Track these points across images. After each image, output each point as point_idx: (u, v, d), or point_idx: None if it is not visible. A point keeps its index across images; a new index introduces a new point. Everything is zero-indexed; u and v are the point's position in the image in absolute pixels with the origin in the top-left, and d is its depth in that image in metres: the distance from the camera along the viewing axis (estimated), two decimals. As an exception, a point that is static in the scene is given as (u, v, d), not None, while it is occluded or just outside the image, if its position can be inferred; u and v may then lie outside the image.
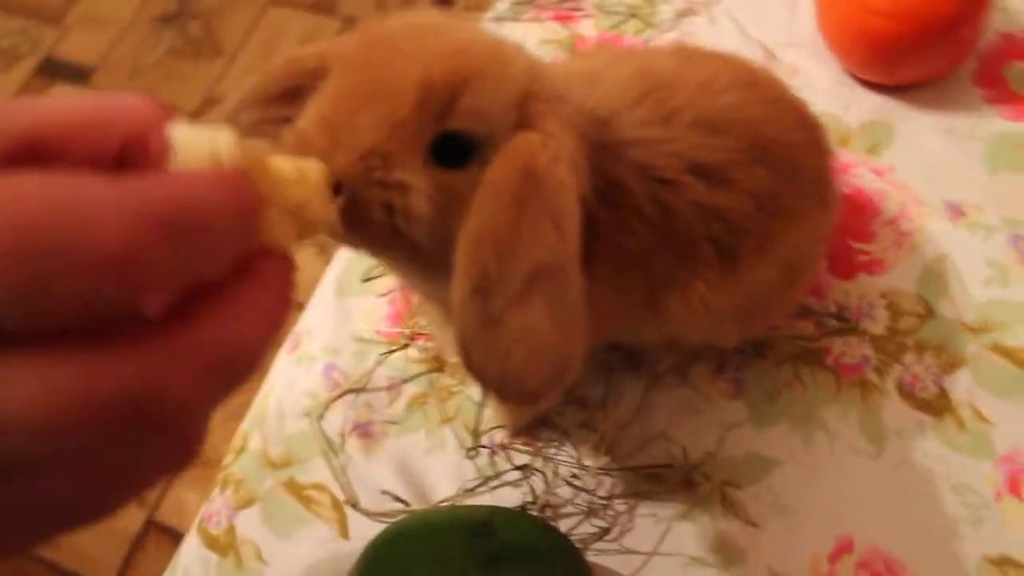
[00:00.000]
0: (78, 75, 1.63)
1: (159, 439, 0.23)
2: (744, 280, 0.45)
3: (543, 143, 0.33)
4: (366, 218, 0.33)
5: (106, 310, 0.20)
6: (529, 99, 0.34)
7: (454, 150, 0.34)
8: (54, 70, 1.65)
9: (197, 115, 1.52)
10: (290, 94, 0.37)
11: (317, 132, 0.32)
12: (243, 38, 1.60)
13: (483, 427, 0.56)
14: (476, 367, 0.32)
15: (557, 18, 0.71)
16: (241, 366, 0.23)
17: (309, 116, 0.33)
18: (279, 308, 0.24)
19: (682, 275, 0.43)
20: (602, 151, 0.38)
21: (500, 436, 0.56)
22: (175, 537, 1.13)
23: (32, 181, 0.19)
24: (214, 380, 0.23)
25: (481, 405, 0.56)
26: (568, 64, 0.45)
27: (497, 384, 0.32)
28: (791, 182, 0.45)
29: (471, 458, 0.55)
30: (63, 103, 0.24)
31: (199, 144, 0.24)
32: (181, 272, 0.21)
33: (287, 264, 0.24)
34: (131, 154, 0.24)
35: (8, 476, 0.21)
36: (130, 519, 1.15)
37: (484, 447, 0.55)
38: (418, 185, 0.33)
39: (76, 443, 0.21)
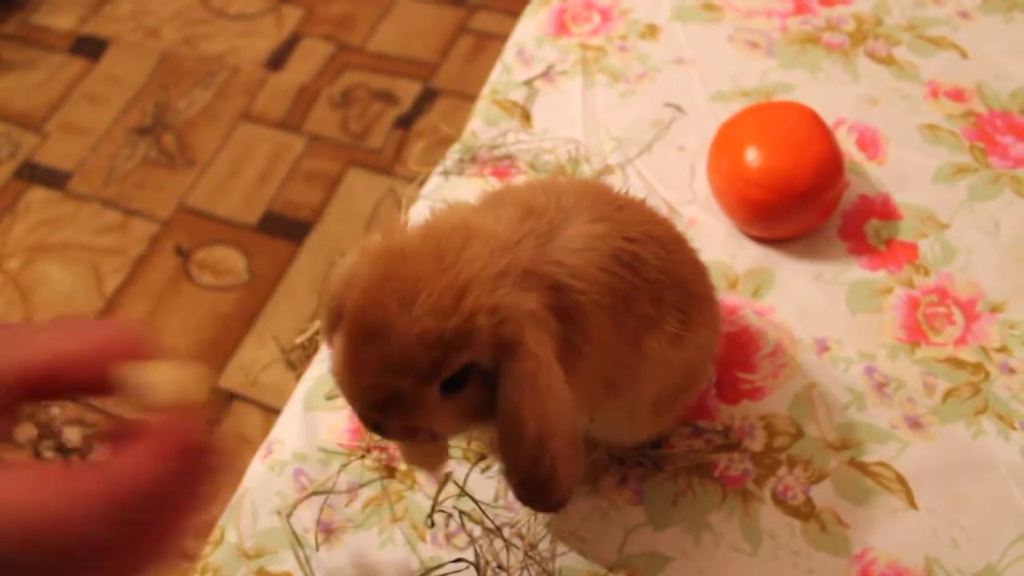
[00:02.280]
0: (55, 179, 1.73)
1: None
2: (689, 340, 0.56)
3: (533, 386, 0.46)
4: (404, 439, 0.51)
5: None
6: (500, 321, 0.45)
7: (455, 380, 0.46)
8: (32, 174, 1.75)
9: (169, 223, 1.63)
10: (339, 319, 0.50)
11: (357, 412, 0.48)
12: (214, 151, 1.72)
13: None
14: (529, 502, 0.50)
15: (495, 173, 0.84)
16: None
17: (342, 385, 0.48)
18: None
19: (656, 315, 0.54)
20: (565, 243, 0.50)
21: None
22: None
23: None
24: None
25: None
26: (488, 207, 0.54)
27: (545, 510, 0.52)
28: (702, 285, 0.59)
29: (428, 526, 0.66)
30: (62, 341, 0.33)
31: (165, 384, 0.33)
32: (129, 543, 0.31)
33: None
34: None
35: None
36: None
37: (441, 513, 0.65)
38: (438, 425, 0.48)
39: None
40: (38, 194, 1.72)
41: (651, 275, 0.53)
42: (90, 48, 1.91)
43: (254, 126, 1.75)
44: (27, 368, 0.33)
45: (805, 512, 0.65)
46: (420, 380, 0.45)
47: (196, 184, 1.68)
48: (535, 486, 0.47)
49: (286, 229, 1.59)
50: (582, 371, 0.51)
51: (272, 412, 1.30)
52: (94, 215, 1.67)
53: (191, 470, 0.32)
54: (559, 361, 0.47)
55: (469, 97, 0.90)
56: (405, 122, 1.69)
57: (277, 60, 1.83)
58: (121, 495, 0.30)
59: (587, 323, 0.50)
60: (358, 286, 0.46)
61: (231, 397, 1.40)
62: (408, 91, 1.74)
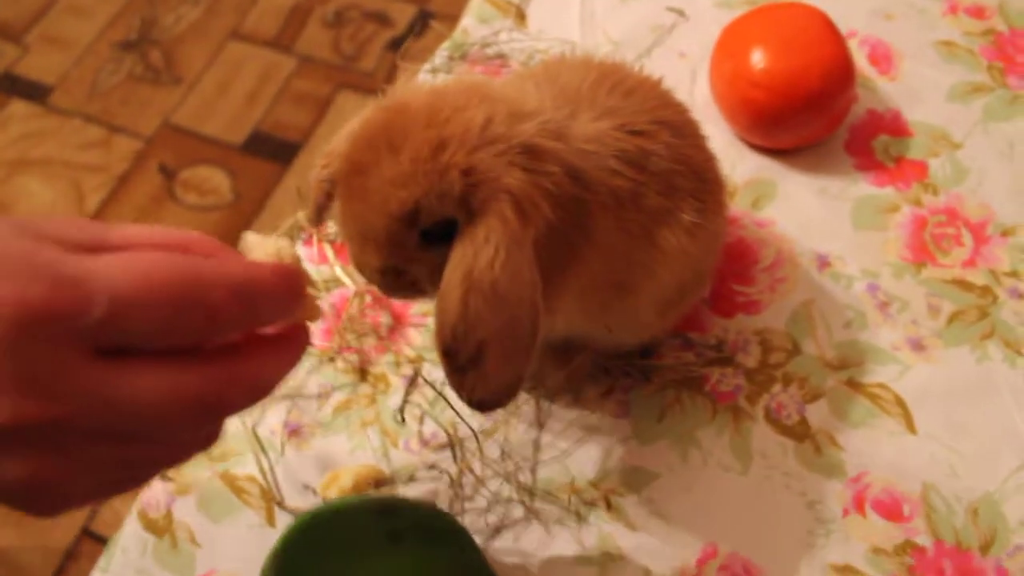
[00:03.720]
0: (36, 92, 1.68)
1: (204, 430, 0.36)
2: (705, 228, 0.54)
3: (476, 251, 0.43)
4: (399, 292, 0.50)
5: (199, 340, 0.33)
6: (471, 184, 0.44)
7: (436, 231, 0.45)
8: (12, 86, 1.69)
9: (154, 141, 1.58)
10: (329, 195, 0.52)
11: (351, 257, 0.49)
12: (202, 69, 1.66)
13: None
14: (453, 386, 0.46)
15: (486, 71, 0.79)
16: (265, 391, 0.36)
17: (340, 230, 0.50)
18: (295, 359, 0.38)
19: (669, 207, 0.52)
20: (575, 136, 0.48)
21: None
22: (107, 545, 1.16)
23: (174, 258, 0.32)
24: (248, 397, 0.36)
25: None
26: (523, 80, 0.53)
27: (468, 403, 0.46)
28: (715, 171, 0.57)
29: (399, 421, 0.63)
30: (142, 228, 0.36)
31: (265, 248, 0.39)
32: (248, 323, 0.35)
33: (306, 334, 0.39)
34: None
35: (126, 440, 0.33)
36: (65, 530, 1.18)
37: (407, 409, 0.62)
38: (421, 273, 0.47)
39: (165, 423, 0.33)
40: (19, 107, 1.66)
41: (661, 166, 0.51)
42: (76, -41, 1.84)
43: (244, 44, 1.69)
44: (104, 241, 0.34)
45: (799, 432, 0.62)
46: (396, 222, 0.45)
47: (182, 102, 1.62)
48: (457, 367, 0.45)
49: (273, 150, 1.54)
50: (579, 274, 0.50)
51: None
52: (76, 130, 1.62)
53: (280, 291, 0.36)
54: (546, 254, 0.45)
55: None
56: (398, 45, 1.63)
57: (270, -23, 1.77)
58: (211, 280, 0.33)
59: (591, 225, 0.48)
60: (354, 135, 0.46)
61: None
62: (402, 13, 1.69)
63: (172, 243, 0.36)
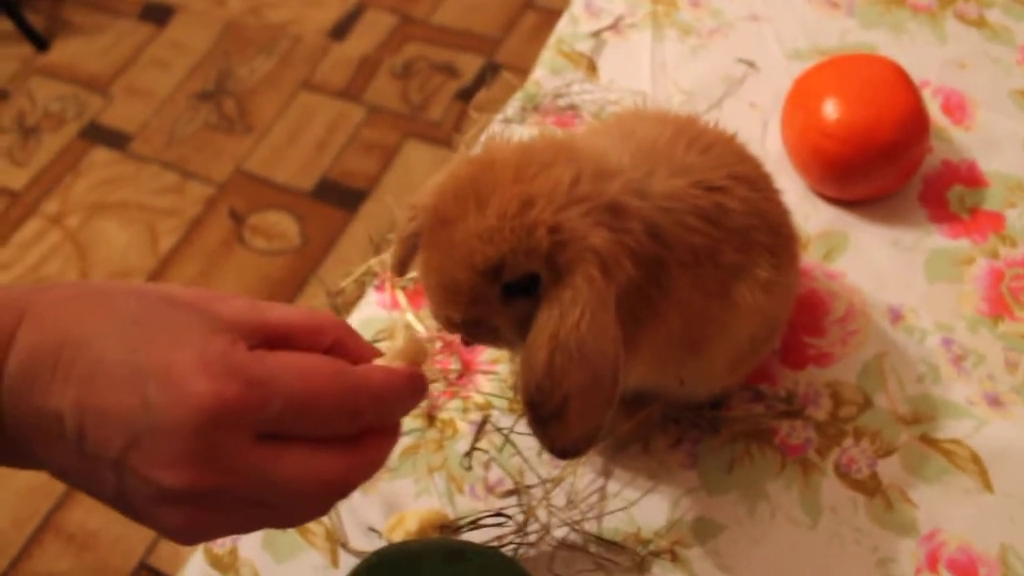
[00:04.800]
0: (117, 140, 1.74)
1: (329, 504, 0.42)
2: (779, 285, 0.54)
3: (563, 313, 0.45)
4: (478, 341, 0.52)
5: (340, 432, 0.39)
6: (558, 242, 0.45)
7: (518, 285, 0.46)
8: (96, 134, 1.76)
9: (225, 187, 1.63)
10: (413, 247, 0.53)
11: (431, 308, 0.50)
12: (273, 118, 1.72)
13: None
14: (535, 434, 0.47)
15: (558, 123, 0.80)
16: (380, 467, 0.42)
17: (421, 281, 0.50)
18: (398, 436, 0.43)
19: (745, 262, 0.52)
20: (654, 194, 0.49)
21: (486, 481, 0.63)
22: (167, 581, 1.18)
23: (333, 362, 0.39)
24: (369, 476, 0.41)
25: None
26: (598, 135, 0.55)
27: (549, 451, 0.48)
28: (790, 226, 0.57)
29: (465, 468, 0.63)
30: (290, 309, 0.42)
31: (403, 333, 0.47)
32: (380, 422, 0.41)
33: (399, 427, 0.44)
34: (334, 352, 0.42)
35: (268, 506, 0.39)
36: (124, 560, 1.20)
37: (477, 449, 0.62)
38: (501, 325, 0.48)
39: (305, 499, 0.39)
40: (100, 154, 1.73)
41: (737, 222, 0.51)
42: (157, 14, 1.93)
43: (314, 95, 1.74)
44: (267, 324, 0.40)
45: (870, 487, 0.60)
46: (480, 276, 0.46)
47: (254, 150, 1.67)
48: (540, 419, 0.46)
49: (341, 197, 1.57)
50: (656, 330, 0.50)
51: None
52: (153, 176, 1.67)
53: (410, 394, 0.42)
54: (625, 311, 0.46)
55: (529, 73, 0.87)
56: (466, 95, 1.67)
57: (340, 30, 1.82)
58: (359, 387, 0.39)
59: (668, 282, 0.49)
60: (442, 187, 0.47)
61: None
62: (470, 65, 1.72)
63: (317, 326, 0.42)
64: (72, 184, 1.68)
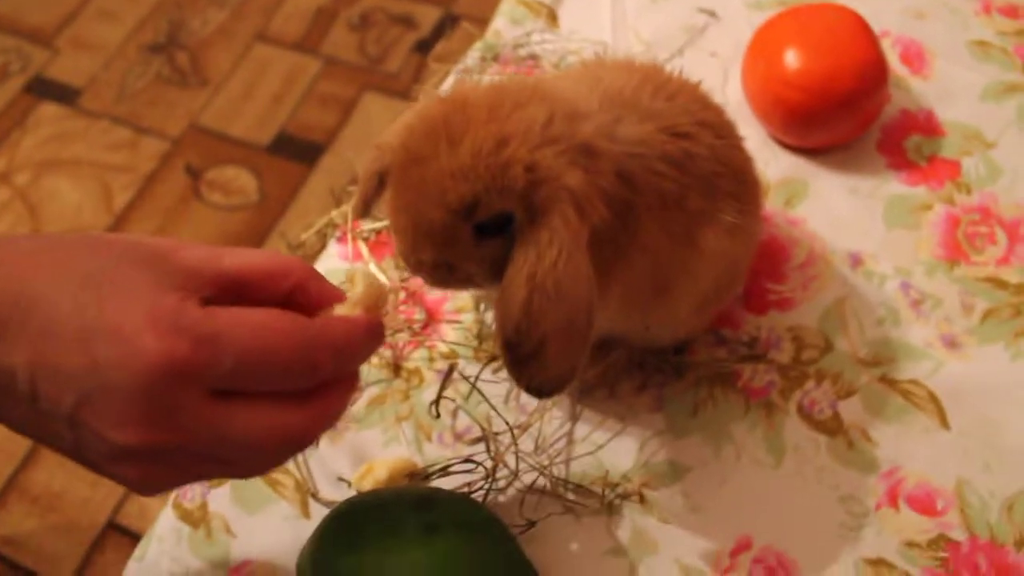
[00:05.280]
0: (65, 95, 1.70)
1: (285, 457, 0.42)
2: (744, 231, 0.55)
3: (540, 253, 0.44)
4: (447, 285, 0.50)
5: (297, 387, 0.39)
6: (534, 181, 0.44)
7: (491, 225, 0.46)
8: (43, 89, 1.71)
9: (180, 142, 1.59)
10: (378, 188, 0.52)
11: (400, 251, 0.49)
12: (228, 71, 1.68)
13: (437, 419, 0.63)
14: (512, 374, 0.47)
15: (518, 72, 0.80)
16: (338, 419, 0.43)
17: (390, 223, 0.49)
18: (356, 387, 0.44)
19: (711, 208, 0.52)
20: (623, 138, 0.48)
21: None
22: (135, 539, 1.16)
23: (287, 317, 0.39)
24: (327, 428, 0.42)
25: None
26: (567, 81, 0.54)
27: (525, 390, 0.48)
28: (753, 172, 0.57)
29: (433, 416, 0.63)
30: (250, 255, 0.41)
31: (366, 280, 0.44)
32: (340, 373, 0.41)
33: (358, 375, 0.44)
34: (295, 296, 0.42)
35: (224, 462, 0.39)
36: (91, 521, 1.19)
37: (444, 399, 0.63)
38: (473, 268, 0.48)
39: (261, 453, 0.40)
40: (48, 109, 1.68)
41: (704, 168, 0.52)
42: (104, -37, 1.86)
43: (269, 47, 1.70)
44: (222, 273, 0.40)
45: (832, 427, 0.62)
46: (452, 215, 0.45)
47: (208, 104, 1.64)
48: (517, 359, 0.46)
49: (299, 151, 1.55)
50: (624, 275, 0.50)
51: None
52: (104, 132, 1.63)
53: (368, 343, 0.42)
54: (594, 254, 0.46)
55: (488, 25, 0.86)
56: (424, 47, 1.65)
57: (295, -20, 1.78)
58: (316, 342, 0.39)
59: (636, 227, 0.49)
60: (411, 126, 0.46)
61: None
62: (428, 16, 1.70)
63: (276, 270, 0.42)
64: (19, 140, 1.64)
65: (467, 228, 0.46)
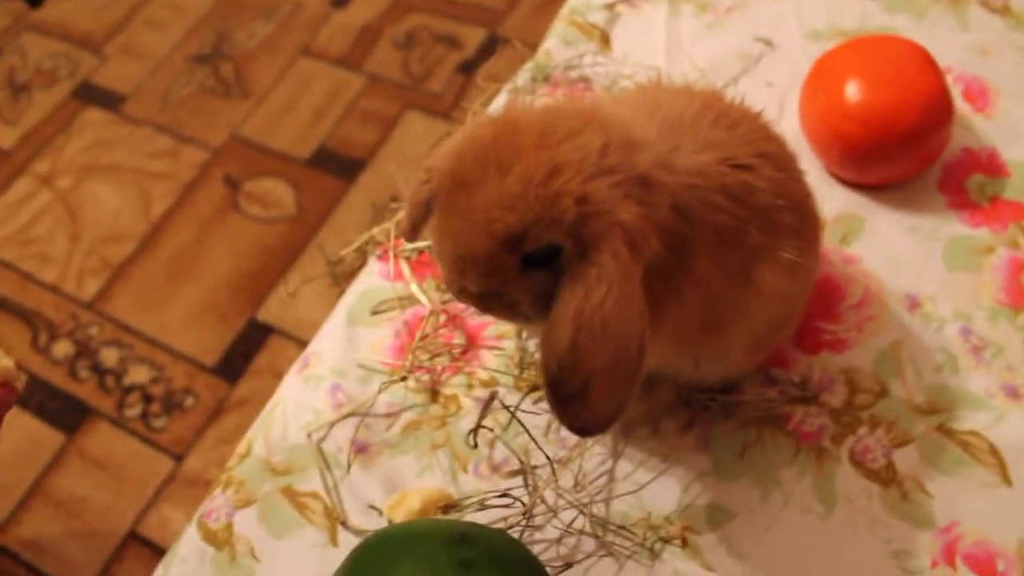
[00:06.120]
0: (111, 101, 1.71)
1: None
2: (802, 269, 0.53)
3: (588, 290, 0.42)
4: (492, 314, 0.49)
5: None
6: (584, 214, 0.42)
7: (539, 257, 0.44)
8: (89, 94, 1.72)
9: (221, 152, 1.59)
10: (426, 212, 0.51)
11: (444, 278, 0.47)
12: (271, 84, 1.68)
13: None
14: (556, 413, 0.45)
15: (568, 95, 0.78)
16: None
17: (434, 248, 0.48)
18: None
19: (769, 244, 0.50)
20: (680, 169, 0.47)
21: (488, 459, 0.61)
22: (155, 551, 1.16)
23: None
24: None
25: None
26: (625, 106, 0.52)
27: (569, 428, 0.46)
28: (814, 207, 0.55)
29: (470, 445, 0.61)
30: None
31: None
32: None
33: None
34: None
35: None
36: (112, 529, 1.19)
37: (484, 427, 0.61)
38: (519, 298, 0.46)
39: None
40: (93, 115, 1.69)
41: (763, 201, 0.50)
42: (154, -27, 1.88)
43: (313, 62, 1.71)
44: None
45: (886, 477, 0.59)
46: (498, 245, 0.43)
47: (250, 115, 1.64)
48: (562, 397, 0.44)
49: (338, 166, 1.54)
50: (676, 310, 0.48)
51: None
52: (147, 139, 1.64)
53: None
54: (645, 289, 0.44)
55: (535, 47, 0.84)
56: (468, 68, 1.64)
57: (342, -2, 1.79)
58: None
59: (691, 261, 0.47)
60: (460, 149, 0.45)
61: (268, 332, 1.37)
62: (472, 37, 1.69)
63: None
64: (64, 145, 1.65)
65: (513, 259, 0.44)
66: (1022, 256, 0.68)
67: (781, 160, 0.53)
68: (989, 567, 0.56)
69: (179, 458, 1.24)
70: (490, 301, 0.47)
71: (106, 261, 1.47)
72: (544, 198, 0.42)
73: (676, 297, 0.48)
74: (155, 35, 1.79)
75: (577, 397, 0.43)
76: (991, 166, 0.73)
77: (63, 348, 1.37)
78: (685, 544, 0.57)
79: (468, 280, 0.46)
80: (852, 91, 0.67)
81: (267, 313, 1.38)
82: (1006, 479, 0.59)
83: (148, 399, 1.30)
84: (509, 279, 0.45)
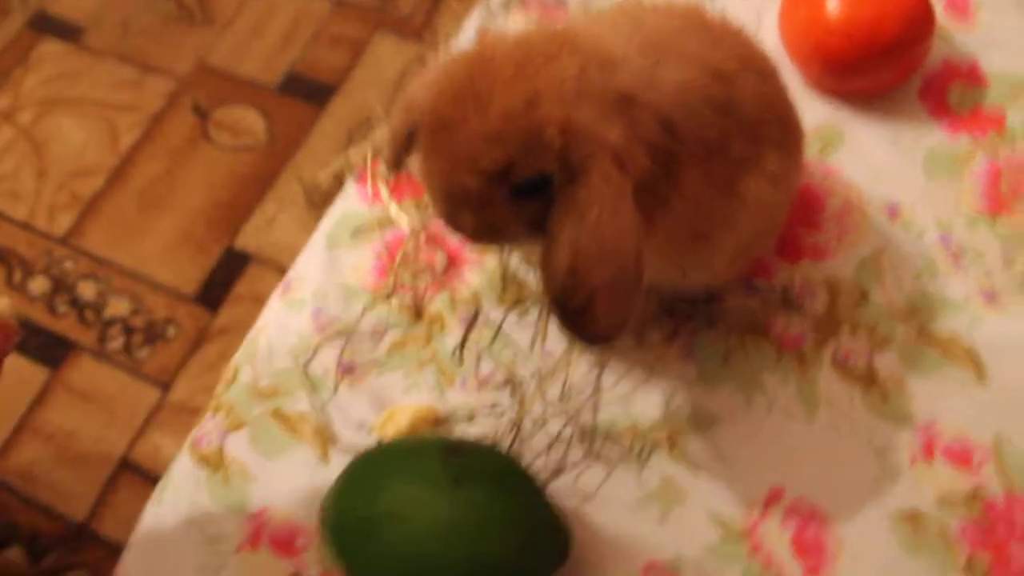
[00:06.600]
0: (68, 32, 1.65)
1: None
2: (785, 179, 0.53)
3: (582, 213, 0.43)
4: (490, 243, 0.51)
5: None
6: (570, 140, 0.42)
7: (529, 186, 0.44)
8: (45, 25, 1.66)
9: (187, 81, 1.56)
10: (407, 141, 0.51)
11: (438, 214, 0.47)
12: (236, 9, 1.63)
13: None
14: (563, 329, 0.46)
15: (543, 15, 0.76)
16: None
17: (424, 186, 0.48)
18: None
19: (754, 155, 0.51)
20: (664, 84, 0.46)
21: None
22: (148, 477, 1.16)
23: None
24: None
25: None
26: (602, 26, 0.51)
27: (577, 340, 0.46)
28: (796, 117, 0.55)
29: (457, 364, 0.62)
30: None
31: None
32: None
33: None
34: None
35: None
36: (104, 459, 1.19)
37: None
38: (514, 227, 0.46)
39: None
40: (51, 46, 1.64)
41: (748, 113, 0.50)
42: None
43: (279, -15, 1.66)
44: None
45: (867, 379, 0.60)
46: (487, 179, 0.43)
47: (216, 42, 1.60)
48: (567, 314, 0.45)
49: (308, 92, 1.51)
50: (664, 222, 0.49)
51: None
52: (109, 70, 1.59)
53: None
54: (637, 205, 0.44)
55: None
56: (438, -12, 1.60)
57: (305, -83, 1.72)
58: None
59: (679, 175, 0.47)
60: (438, 86, 0.44)
61: (246, 259, 1.36)
62: (442, -44, 1.65)
63: None
64: (22, 78, 1.60)
65: (504, 191, 0.44)
66: (1001, 163, 0.68)
67: (764, 73, 0.53)
68: (966, 460, 0.57)
69: (166, 387, 1.24)
70: (485, 233, 0.47)
71: (76, 196, 1.44)
72: (526, 129, 0.42)
73: (665, 209, 0.48)
74: (112, -39, 1.73)
75: (582, 312, 0.44)
76: (971, 76, 0.73)
77: (40, 284, 1.35)
78: (672, 447, 0.58)
79: (461, 216, 0.46)
80: (833, 4, 0.66)
81: (244, 241, 1.37)
82: (982, 378, 0.60)
83: (129, 331, 1.29)
84: (501, 211, 0.45)
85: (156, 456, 1.18)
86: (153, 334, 1.29)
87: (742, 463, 0.58)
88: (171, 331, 1.29)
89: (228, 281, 1.32)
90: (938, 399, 0.59)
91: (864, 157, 0.69)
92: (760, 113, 0.50)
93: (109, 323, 1.31)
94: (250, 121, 1.49)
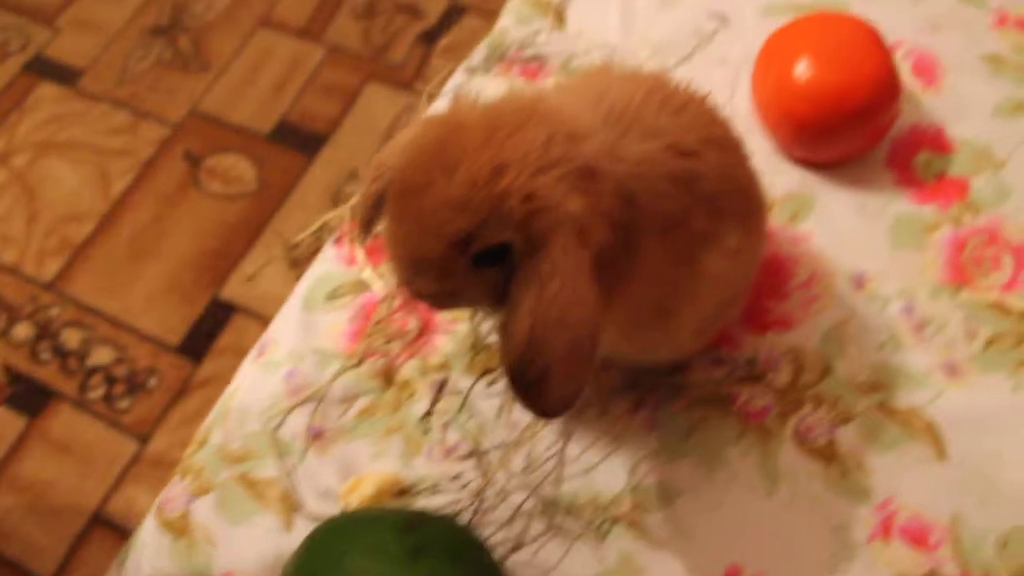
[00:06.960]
0: (66, 76, 1.68)
1: None
2: (746, 253, 0.54)
3: (542, 285, 0.44)
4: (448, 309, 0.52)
5: None
6: (532, 211, 0.43)
7: (489, 255, 0.45)
8: (43, 69, 1.69)
9: (180, 127, 1.58)
10: (378, 205, 0.52)
11: (399, 279, 0.48)
12: (231, 56, 1.66)
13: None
14: (518, 401, 0.46)
15: (524, 73, 0.78)
16: None
17: (387, 252, 0.48)
18: None
19: (714, 230, 0.51)
20: (626, 157, 0.47)
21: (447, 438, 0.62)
22: (120, 532, 1.16)
23: None
24: None
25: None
26: (569, 95, 0.52)
27: (532, 412, 0.47)
28: (759, 192, 0.56)
29: (423, 431, 0.62)
30: None
31: None
32: None
33: None
34: None
35: None
36: (77, 512, 1.19)
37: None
38: (473, 294, 0.47)
39: None
40: (48, 90, 1.66)
41: (709, 188, 0.50)
42: (108, -57, 1.84)
43: (273, 33, 1.68)
44: None
45: (827, 455, 0.61)
46: (450, 247, 0.44)
47: (210, 89, 1.62)
48: (522, 385, 0.45)
49: (299, 140, 1.53)
50: (625, 295, 0.49)
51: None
52: (104, 115, 1.61)
53: None
54: (597, 277, 0.45)
55: (495, 14, 0.84)
56: (429, 37, 1.62)
57: (301, -33, 1.76)
58: None
59: (639, 248, 0.48)
60: (408, 152, 0.45)
61: (231, 310, 1.36)
62: (434, 5, 1.67)
63: None
64: (18, 122, 1.62)
65: (465, 259, 0.45)
66: (965, 233, 0.69)
67: (726, 145, 0.54)
68: (922, 540, 0.58)
69: (144, 439, 1.24)
70: (445, 299, 0.48)
71: (66, 241, 1.46)
72: (491, 198, 0.43)
73: (625, 283, 0.49)
74: (109, 7, 1.76)
75: (536, 384, 0.45)
76: (937, 143, 0.74)
77: (23, 331, 1.36)
78: (632, 523, 0.59)
79: (422, 282, 0.46)
80: (802, 70, 0.67)
81: (230, 291, 1.38)
82: (941, 455, 0.60)
83: (111, 380, 1.30)
84: (461, 279, 0.46)
85: (129, 511, 1.18)
86: (135, 384, 1.29)
87: (701, 538, 0.58)
88: (152, 382, 1.29)
89: (212, 332, 1.33)
90: (897, 475, 0.60)
91: (833, 224, 0.70)
92: (721, 185, 0.51)
93: (91, 372, 1.31)
94: (241, 169, 1.51)
